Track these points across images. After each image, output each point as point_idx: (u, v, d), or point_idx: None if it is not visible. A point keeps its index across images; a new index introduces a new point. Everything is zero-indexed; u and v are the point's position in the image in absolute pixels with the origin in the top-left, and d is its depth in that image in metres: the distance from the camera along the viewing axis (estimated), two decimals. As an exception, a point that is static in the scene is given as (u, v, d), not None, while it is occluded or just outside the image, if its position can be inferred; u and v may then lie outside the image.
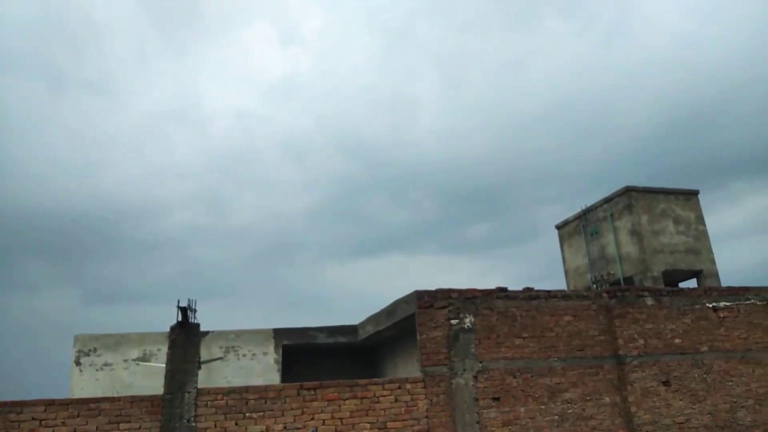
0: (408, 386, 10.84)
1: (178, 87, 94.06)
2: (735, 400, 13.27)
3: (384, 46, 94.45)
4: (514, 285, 12.85)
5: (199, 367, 9.72)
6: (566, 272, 21.60)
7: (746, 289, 14.71)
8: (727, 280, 20.76)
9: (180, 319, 9.76)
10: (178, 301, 9.66)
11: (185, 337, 9.72)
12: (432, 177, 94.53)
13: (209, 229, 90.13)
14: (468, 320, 11.76)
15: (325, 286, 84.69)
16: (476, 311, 11.91)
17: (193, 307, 9.85)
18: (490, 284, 26.52)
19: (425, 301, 11.77)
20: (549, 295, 12.93)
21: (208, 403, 9.65)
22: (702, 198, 18.85)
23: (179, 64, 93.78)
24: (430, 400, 10.84)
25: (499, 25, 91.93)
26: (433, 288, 11.98)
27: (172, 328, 9.85)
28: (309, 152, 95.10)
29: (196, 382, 9.65)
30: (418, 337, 11.51)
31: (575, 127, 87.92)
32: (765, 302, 14.74)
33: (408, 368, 14.71)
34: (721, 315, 14.22)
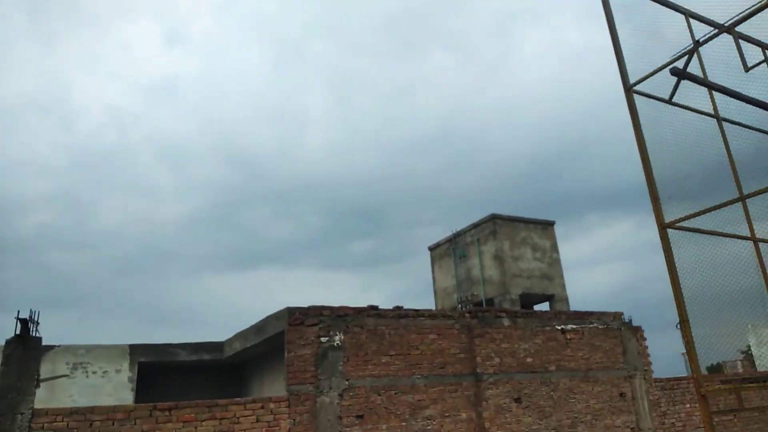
0: (271, 406, 10.59)
1: (46, 77, 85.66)
2: (576, 415, 14.51)
3: (275, 56, 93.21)
4: (394, 302, 13.18)
5: (38, 385, 8.78)
6: (436, 292, 22.55)
7: (590, 314, 16.25)
8: (576, 304, 22.82)
9: (19, 332, 8.77)
10: (18, 312, 8.69)
11: (23, 351, 8.75)
12: (317, 192, 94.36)
13: (67, 233, 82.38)
14: (338, 338, 11.78)
15: (200, 298, 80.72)
16: (347, 329, 11.98)
17: (36, 318, 8.90)
18: (371, 301, 26.73)
19: (296, 318, 11.63)
20: (417, 313, 13.35)
21: (45, 425, 8.72)
22: (559, 228, 20.77)
23: (49, 54, 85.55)
24: (293, 420, 10.67)
25: (390, 50, 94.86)
26: (306, 305, 11.88)
27: (8, 342, 8.82)
28: (188, 158, 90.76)
29: (32, 402, 8.69)
30: (286, 354, 11.32)
31: (455, 154, 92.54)
32: (605, 326, 16.37)
33: (275, 387, 14.38)
34: (568, 337, 15.56)
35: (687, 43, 6.99)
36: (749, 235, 7.06)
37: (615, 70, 6.73)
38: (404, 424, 11.85)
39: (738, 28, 8.15)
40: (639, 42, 7.14)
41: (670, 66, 6.05)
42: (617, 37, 6.47)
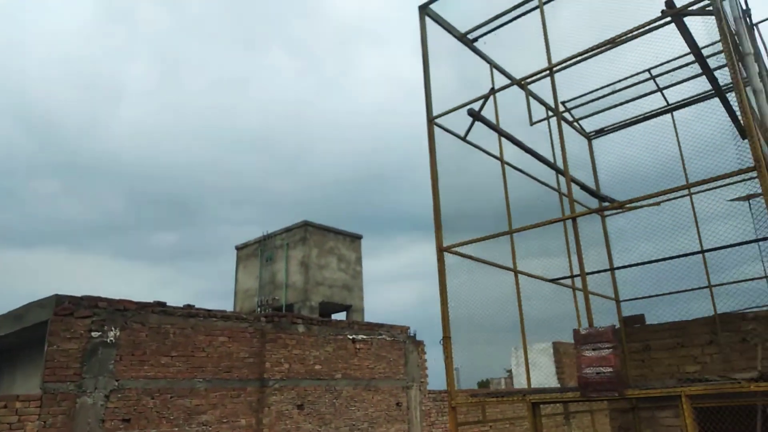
0: (17, 405, 9.22)
1: None
2: (354, 423, 15.02)
3: (99, 16, 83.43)
4: (195, 301, 12.36)
5: None
6: (236, 293, 21.85)
7: (380, 326, 17.06)
8: (372, 316, 23.76)
9: None
10: None
11: None
12: (122, 173, 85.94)
13: None
14: (112, 334, 10.71)
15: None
16: (125, 325, 10.96)
17: None
18: (168, 298, 24.87)
19: (65, 307, 10.32)
20: (209, 314, 12.75)
21: None
22: (369, 243, 21.51)
23: None
24: (44, 422, 9.40)
25: (230, 38, 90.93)
26: (79, 294, 10.62)
27: None
28: (-39, 108, 76.50)
29: None
30: (46, 348, 9.96)
31: (279, 157, 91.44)
32: (393, 338, 17.31)
33: (28, 383, 12.57)
34: (358, 346, 16.13)
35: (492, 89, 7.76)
36: (516, 268, 8.00)
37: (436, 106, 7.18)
38: (176, 429, 11.16)
39: (532, 87, 9.28)
40: (453, 81, 7.76)
41: (468, 107, 6.64)
42: (428, 72, 6.92)
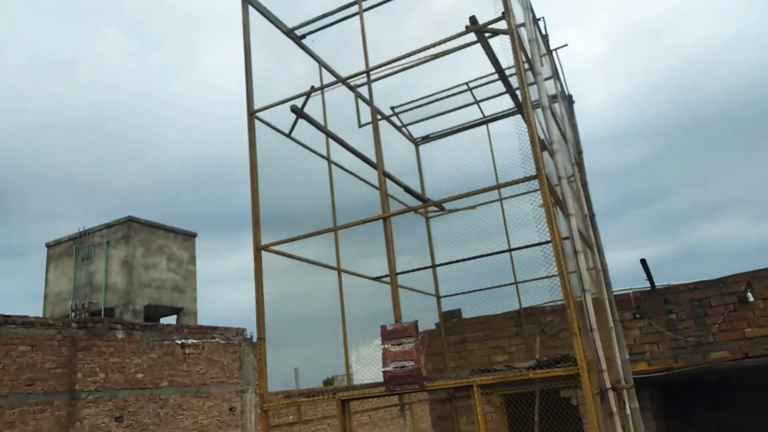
0: None
1: None
2: None
3: None
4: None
5: None
6: (47, 296, 19.48)
7: (213, 329, 16.33)
8: (207, 319, 22.69)
9: None
10: None
11: None
12: None
13: None
14: None
15: None
16: None
17: None
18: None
19: None
20: (6, 320, 11.22)
21: None
22: (215, 242, 20.31)
23: None
24: None
25: (56, 12, 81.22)
26: None
27: None
28: None
29: None
30: None
31: (110, 145, 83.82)
32: (227, 341, 16.65)
33: None
34: (187, 351, 15.26)
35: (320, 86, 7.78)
36: (339, 266, 8.09)
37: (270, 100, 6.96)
38: (-45, 456, 9.65)
39: (362, 90, 9.46)
40: (285, 77, 7.61)
41: (291, 103, 6.57)
42: (250, 64, 6.70)
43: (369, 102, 6.80)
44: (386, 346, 4.97)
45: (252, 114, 6.48)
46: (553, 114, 7.88)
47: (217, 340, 16.39)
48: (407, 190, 9.14)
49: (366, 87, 9.67)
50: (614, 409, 5.07)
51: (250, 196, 6.36)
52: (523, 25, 6.22)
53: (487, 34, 5.97)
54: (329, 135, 7.52)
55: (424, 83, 10.42)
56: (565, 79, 8.95)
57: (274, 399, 6.25)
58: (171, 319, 19.60)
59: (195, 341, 15.62)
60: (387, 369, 4.90)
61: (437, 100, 9.90)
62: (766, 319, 7.81)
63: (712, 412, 10.11)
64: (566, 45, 8.97)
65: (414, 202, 10.18)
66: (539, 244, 5.26)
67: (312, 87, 6.44)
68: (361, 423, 20.40)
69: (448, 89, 9.94)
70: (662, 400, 10.00)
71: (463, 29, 5.61)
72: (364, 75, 6.90)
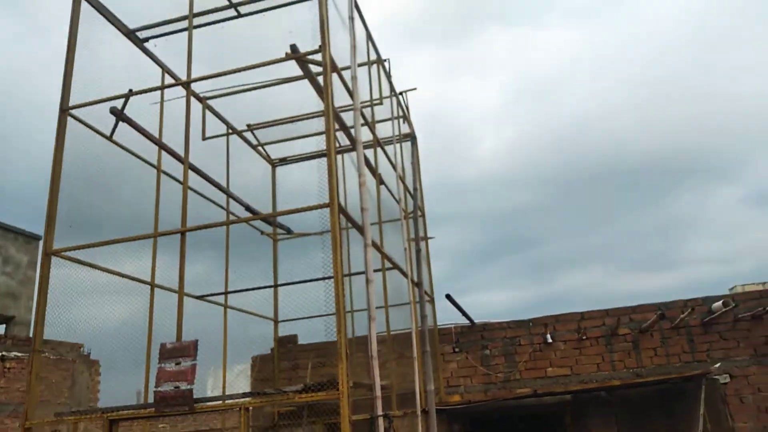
0: None
1: None
2: (-18, 455, 12.68)
3: None
4: None
5: None
6: None
7: (44, 342, 14.91)
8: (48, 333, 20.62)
9: None
10: None
11: None
12: None
13: None
14: None
15: None
16: None
17: None
18: None
19: None
20: None
21: None
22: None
23: None
24: None
25: None
26: None
27: None
28: None
29: None
30: None
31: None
32: (58, 357, 15.27)
33: None
34: (8, 366, 13.80)
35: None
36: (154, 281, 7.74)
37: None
38: None
39: (224, 104, 9.31)
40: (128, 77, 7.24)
41: (112, 104, 6.29)
42: (72, 57, 6.34)
43: (190, 113, 6.67)
44: (162, 365, 4.77)
45: (65, 110, 6.11)
46: (384, 151, 8.18)
47: (46, 354, 14.98)
48: (248, 209, 9.01)
49: (219, 99, 9.51)
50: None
51: (48, 198, 5.93)
52: (351, 66, 6.43)
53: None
54: (155, 142, 7.26)
55: (293, 103, 10.40)
56: (410, 120, 9.38)
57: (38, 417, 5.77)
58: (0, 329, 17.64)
59: (19, 354, 14.17)
60: (159, 389, 4.69)
61: (296, 121, 9.93)
62: (565, 359, 8.47)
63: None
64: (414, 89, 9.42)
65: (263, 225, 10.07)
66: (321, 278, 5.37)
67: (130, 90, 6.20)
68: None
69: (312, 113, 10.02)
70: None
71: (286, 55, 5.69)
72: (217, 88, 6.76)
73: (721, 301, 8.49)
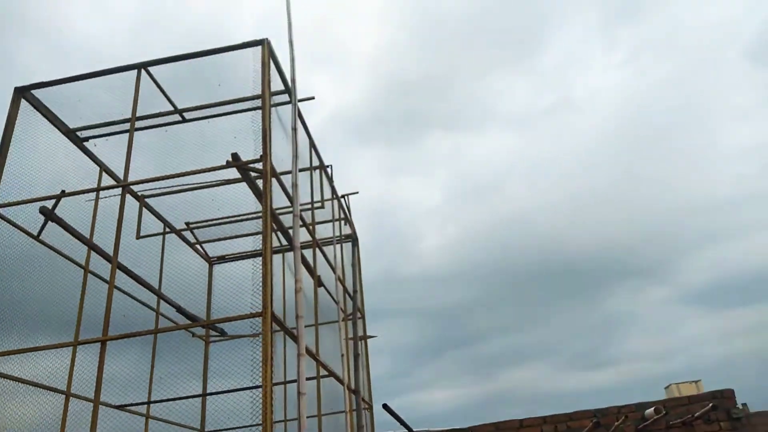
0: None
1: None
2: None
3: None
4: None
5: None
6: None
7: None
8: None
9: None
10: None
11: None
12: None
13: None
14: None
15: None
16: None
17: None
18: None
19: None
20: None
21: None
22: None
23: None
24: None
25: None
26: None
27: None
28: None
29: None
30: None
31: None
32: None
33: None
34: None
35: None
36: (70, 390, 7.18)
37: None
38: None
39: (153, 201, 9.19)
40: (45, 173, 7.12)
41: (42, 204, 6.12)
42: (4, 156, 6.23)
43: (123, 213, 6.56)
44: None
45: (-8, 208, 5.89)
46: (323, 253, 8.22)
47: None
48: (180, 310, 8.69)
49: (157, 198, 9.39)
50: None
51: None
52: (290, 171, 6.60)
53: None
54: (84, 242, 7.04)
55: (233, 201, 10.39)
56: (351, 222, 9.55)
57: None
58: None
59: None
60: None
61: (235, 221, 9.90)
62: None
63: None
64: (356, 192, 9.69)
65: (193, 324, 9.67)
66: (249, 387, 5.18)
67: (63, 191, 6.09)
68: None
69: (252, 213, 10.03)
70: None
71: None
72: (154, 187, 6.70)
73: (653, 408, 8.61)
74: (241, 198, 9.67)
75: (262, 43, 6.63)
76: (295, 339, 5.53)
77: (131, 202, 8.98)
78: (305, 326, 6.13)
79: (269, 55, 6.65)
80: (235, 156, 5.78)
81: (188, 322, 9.18)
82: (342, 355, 7.62)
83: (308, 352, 5.65)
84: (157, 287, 9.01)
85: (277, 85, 7.39)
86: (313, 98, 8.01)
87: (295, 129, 6.87)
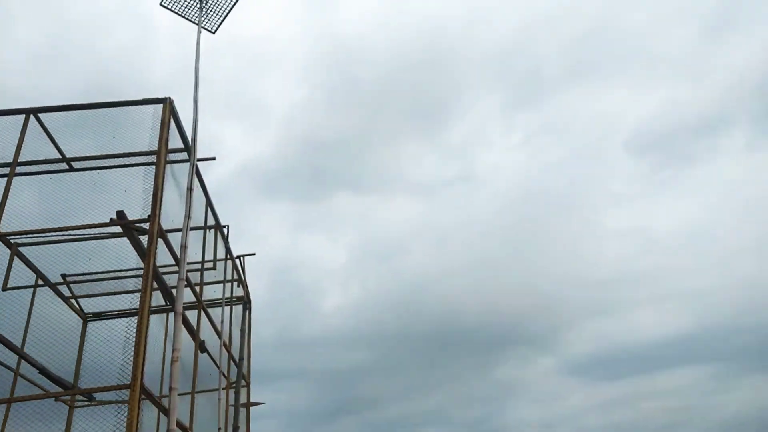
0: None
1: None
2: None
3: None
4: None
5: None
6: None
7: None
8: None
9: None
10: None
11: None
12: None
13: None
14: None
15: None
16: None
17: None
18: None
19: None
20: None
21: None
22: None
23: None
24: None
25: None
26: None
27: None
28: None
29: None
30: None
31: None
32: None
33: None
34: None
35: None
36: None
37: None
38: None
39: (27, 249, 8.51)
40: None
41: None
42: None
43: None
44: None
45: None
46: (209, 318, 7.96)
47: None
48: (43, 372, 7.95)
49: (34, 247, 8.76)
50: None
51: None
52: (179, 229, 6.44)
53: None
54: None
55: (115, 257, 9.85)
56: (245, 283, 9.35)
57: None
58: None
59: None
60: None
61: (116, 278, 9.36)
62: None
63: None
64: (254, 254, 9.55)
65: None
66: None
67: None
68: None
69: (134, 269, 9.54)
70: None
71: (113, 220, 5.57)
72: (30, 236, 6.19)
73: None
74: (124, 252, 9.23)
75: (164, 101, 6.57)
76: (166, 413, 5.23)
77: (2, 249, 8.30)
78: (180, 394, 5.83)
79: (170, 113, 6.59)
80: (120, 214, 5.56)
81: (52, 384, 8.42)
82: (219, 429, 7.24)
83: (180, 425, 5.34)
84: (20, 344, 8.23)
85: (177, 142, 7.29)
86: (213, 158, 7.96)
87: (190, 189, 6.76)
